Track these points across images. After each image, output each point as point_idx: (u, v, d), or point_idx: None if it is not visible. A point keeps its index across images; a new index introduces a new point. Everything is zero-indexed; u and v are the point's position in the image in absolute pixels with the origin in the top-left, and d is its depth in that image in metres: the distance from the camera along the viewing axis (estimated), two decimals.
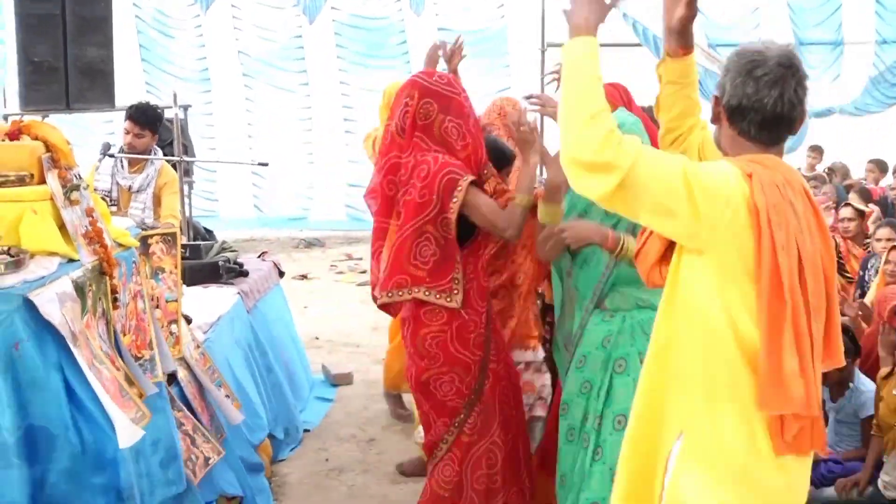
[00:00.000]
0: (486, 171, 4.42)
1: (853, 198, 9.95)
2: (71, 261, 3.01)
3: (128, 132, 6.58)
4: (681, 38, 2.90)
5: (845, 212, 8.00)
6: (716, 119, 2.71)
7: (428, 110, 4.19)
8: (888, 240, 6.85)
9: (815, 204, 2.67)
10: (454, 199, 4.08)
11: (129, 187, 6.54)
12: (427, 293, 4.14)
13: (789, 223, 2.51)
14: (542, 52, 12.74)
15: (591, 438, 3.90)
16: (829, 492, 5.24)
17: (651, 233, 2.79)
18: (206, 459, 4.00)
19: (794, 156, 12.77)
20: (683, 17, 2.84)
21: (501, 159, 4.77)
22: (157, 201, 6.58)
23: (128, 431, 2.82)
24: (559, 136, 2.57)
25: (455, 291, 4.14)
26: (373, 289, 4.44)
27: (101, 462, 2.86)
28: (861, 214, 8.08)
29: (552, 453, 4.16)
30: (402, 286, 4.17)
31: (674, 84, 2.95)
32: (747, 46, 2.66)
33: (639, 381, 2.82)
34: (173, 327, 4.02)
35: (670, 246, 2.72)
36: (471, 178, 4.12)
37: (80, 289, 2.92)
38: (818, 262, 2.59)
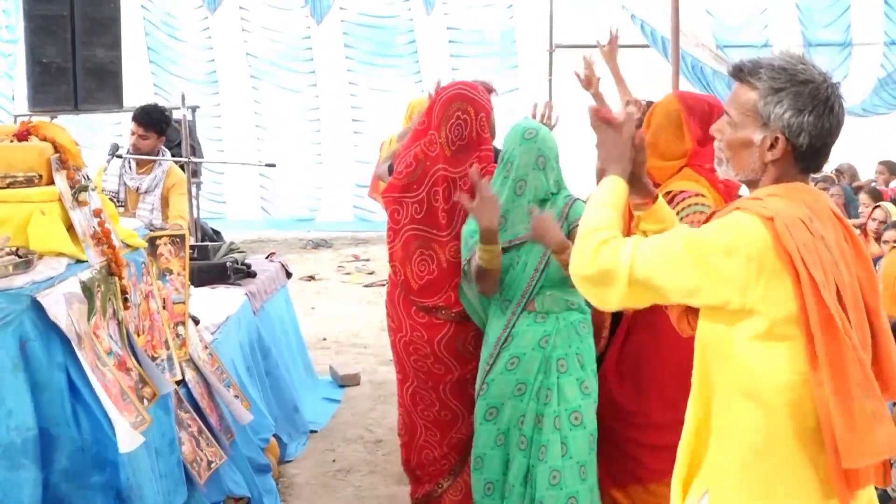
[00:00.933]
0: None
1: (864, 199, 9.96)
2: (79, 262, 3.01)
3: (133, 133, 6.59)
4: (642, 188, 2.78)
5: (878, 213, 8.14)
6: (777, 157, 2.44)
7: (484, 125, 4.33)
8: (895, 241, 6.88)
9: (849, 227, 2.51)
10: None
11: (137, 188, 6.55)
12: None
13: (822, 260, 2.33)
14: (551, 53, 12.75)
15: (530, 439, 3.96)
16: None
17: None
18: (209, 463, 4.01)
19: None
20: (637, 162, 2.72)
21: None
22: (164, 202, 6.58)
23: (128, 436, 2.81)
24: None
25: None
26: (422, 294, 4.45)
27: (103, 464, 2.86)
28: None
29: None
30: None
31: (658, 232, 2.76)
32: (803, 71, 2.41)
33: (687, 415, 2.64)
34: (180, 329, 4.03)
35: None
36: None
37: (87, 290, 2.92)
38: (858, 293, 2.42)
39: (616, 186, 2.64)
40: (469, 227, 4.17)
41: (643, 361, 4.22)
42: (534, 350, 4.00)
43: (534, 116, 5.01)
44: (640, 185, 2.77)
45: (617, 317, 4.33)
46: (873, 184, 11.52)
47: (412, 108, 6.75)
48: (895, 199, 10.64)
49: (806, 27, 14.34)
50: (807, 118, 2.39)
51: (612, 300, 2.48)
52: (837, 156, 13.21)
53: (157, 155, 6.63)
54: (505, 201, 4.02)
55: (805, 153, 2.43)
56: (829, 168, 12.13)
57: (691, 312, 2.64)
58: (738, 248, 2.31)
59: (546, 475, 3.90)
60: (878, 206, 8.74)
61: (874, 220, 8.37)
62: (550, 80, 12.80)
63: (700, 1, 13.62)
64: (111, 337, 3.05)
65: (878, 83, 14.56)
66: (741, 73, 2.49)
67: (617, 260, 2.42)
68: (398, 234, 4.44)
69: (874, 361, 2.45)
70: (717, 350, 2.45)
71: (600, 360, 4.27)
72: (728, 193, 4.04)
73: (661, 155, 4.16)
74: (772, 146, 2.44)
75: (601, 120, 2.71)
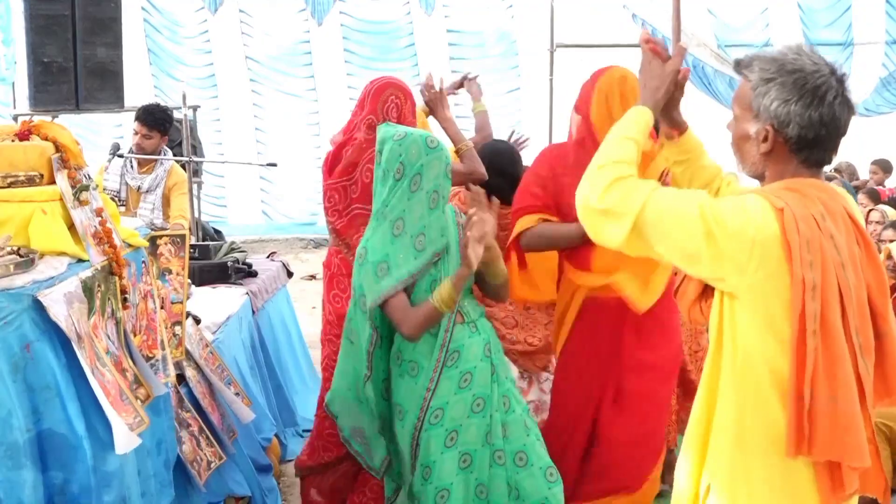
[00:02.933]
0: None
1: (862, 199, 9.97)
2: (80, 261, 3.01)
3: (137, 133, 6.60)
4: (671, 120, 2.84)
5: (874, 215, 8.13)
6: (769, 149, 2.45)
7: (412, 110, 4.60)
8: (891, 241, 6.88)
9: (862, 229, 2.49)
10: None
11: (139, 188, 6.56)
12: None
13: (826, 259, 2.33)
14: (552, 53, 12.73)
15: (504, 451, 3.78)
16: None
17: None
18: (209, 463, 4.01)
19: None
20: (673, 97, 2.76)
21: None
22: (166, 202, 6.60)
23: (125, 438, 2.81)
24: None
25: None
26: None
27: (105, 466, 2.86)
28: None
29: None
30: None
31: (681, 163, 2.87)
32: (793, 61, 2.41)
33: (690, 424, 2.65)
34: (177, 329, 4.03)
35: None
36: None
37: (88, 289, 2.92)
38: (864, 296, 2.41)
39: (642, 118, 2.64)
40: (379, 253, 3.75)
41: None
42: (482, 361, 3.78)
43: (510, 139, 5.14)
44: (671, 118, 2.82)
45: None
46: (868, 183, 11.52)
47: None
48: (893, 198, 10.67)
49: (807, 26, 14.33)
50: (793, 108, 2.38)
51: (611, 238, 2.47)
52: (838, 154, 13.27)
53: (160, 154, 6.64)
54: (420, 217, 3.74)
55: (798, 145, 2.42)
56: (828, 167, 12.09)
57: (704, 299, 2.63)
58: (747, 231, 2.31)
59: (539, 477, 3.80)
60: (874, 209, 8.76)
61: (871, 222, 8.37)
62: (551, 80, 12.77)
63: (701, 0, 13.62)
64: (109, 337, 3.05)
65: (880, 82, 14.55)
66: (738, 67, 2.51)
67: (629, 200, 2.41)
68: (341, 215, 4.57)
69: (878, 364, 2.44)
70: (726, 338, 2.45)
71: None
72: None
73: None
74: (764, 138, 2.44)
75: (650, 50, 2.73)
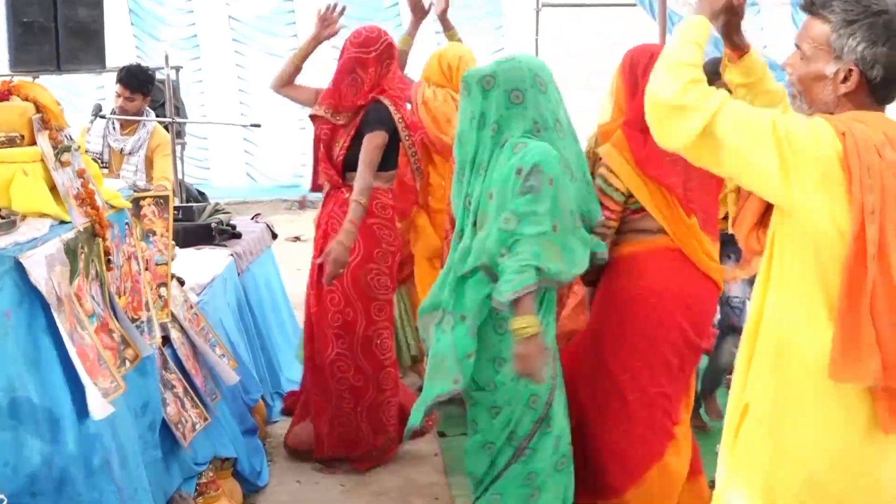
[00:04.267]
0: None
1: None
2: (63, 223, 3.00)
3: (119, 95, 6.55)
4: (730, 42, 2.85)
5: None
6: (851, 89, 2.47)
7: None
8: None
9: None
10: None
11: (122, 150, 6.52)
12: None
13: (886, 187, 2.37)
14: (537, 13, 12.64)
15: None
16: None
17: (749, 195, 2.66)
18: (194, 424, 4.02)
19: None
20: (730, 22, 2.78)
21: None
22: (149, 164, 6.57)
23: (100, 404, 2.80)
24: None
25: None
26: None
27: (89, 430, 2.86)
28: None
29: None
30: None
31: (744, 86, 2.87)
32: (877, 2, 2.44)
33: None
34: (162, 290, 4.02)
35: (768, 209, 2.60)
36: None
37: (71, 251, 2.91)
38: None
39: (703, 26, 2.61)
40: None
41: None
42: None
43: None
44: (731, 41, 2.83)
45: None
46: None
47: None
48: None
49: None
50: (880, 49, 2.41)
51: (677, 136, 2.46)
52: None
53: (143, 116, 6.60)
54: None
55: (879, 85, 2.46)
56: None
57: (761, 228, 2.63)
58: (815, 149, 2.35)
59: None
60: None
61: None
62: (537, 40, 12.69)
63: None
64: (94, 298, 3.04)
65: None
66: (813, 7, 2.50)
67: (705, 101, 2.40)
68: None
69: None
70: (778, 264, 2.48)
71: None
72: (652, 174, 3.93)
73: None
74: (845, 78, 2.46)
75: None
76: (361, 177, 4.79)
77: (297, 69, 5.34)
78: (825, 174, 2.36)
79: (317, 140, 5.13)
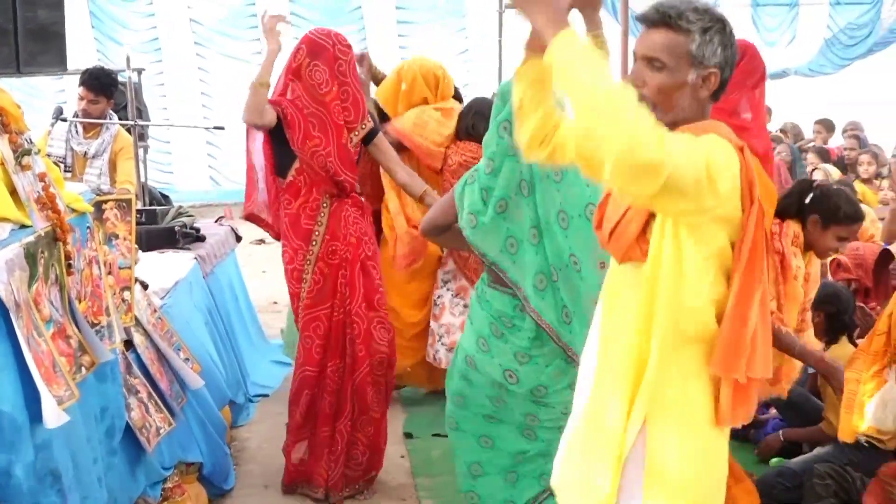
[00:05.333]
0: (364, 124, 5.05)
1: (811, 158, 10.08)
2: (23, 227, 2.97)
3: (82, 98, 6.51)
4: (591, 22, 2.95)
5: (817, 175, 8.27)
6: (710, 92, 2.58)
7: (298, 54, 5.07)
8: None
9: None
10: None
11: (85, 153, 6.48)
12: None
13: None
14: (500, 14, 12.66)
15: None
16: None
17: (628, 209, 2.58)
18: (158, 429, 3.99)
19: None
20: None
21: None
22: (113, 167, 6.53)
23: (54, 413, 2.76)
24: (584, 147, 2.38)
25: None
26: None
27: (38, 437, 2.82)
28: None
29: None
30: None
31: (539, 82, 2.72)
32: (709, 9, 2.58)
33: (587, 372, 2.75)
34: (126, 294, 3.99)
35: (649, 219, 2.55)
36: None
37: (31, 255, 2.88)
38: None
39: (577, 41, 2.38)
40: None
41: None
42: None
43: None
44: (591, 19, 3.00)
45: None
46: (811, 143, 11.65)
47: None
48: (840, 157, 10.78)
49: None
50: (730, 52, 2.59)
51: (641, 192, 2.33)
52: (784, 115, 13.36)
53: (106, 119, 6.55)
54: None
55: (723, 86, 2.61)
56: (773, 127, 12.20)
57: (643, 238, 2.58)
58: (730, 168, 2.46)
59: None
60: (818, 167, 8.86)
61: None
62: (500, 42, 12.71)
63: None
64: (52, 304, 3.01)
65: (825, 43, 14.70)
66: (669, 20, 2.54)
67: (666, 151, 2.26)
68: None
69: None
70: (666, 270, 2.51)
71: None
72: None
73: None
74: (704, 82, 2.57)
75: None
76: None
77: (267, 90, 5.12)
78: (733, 190, 2.47)
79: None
